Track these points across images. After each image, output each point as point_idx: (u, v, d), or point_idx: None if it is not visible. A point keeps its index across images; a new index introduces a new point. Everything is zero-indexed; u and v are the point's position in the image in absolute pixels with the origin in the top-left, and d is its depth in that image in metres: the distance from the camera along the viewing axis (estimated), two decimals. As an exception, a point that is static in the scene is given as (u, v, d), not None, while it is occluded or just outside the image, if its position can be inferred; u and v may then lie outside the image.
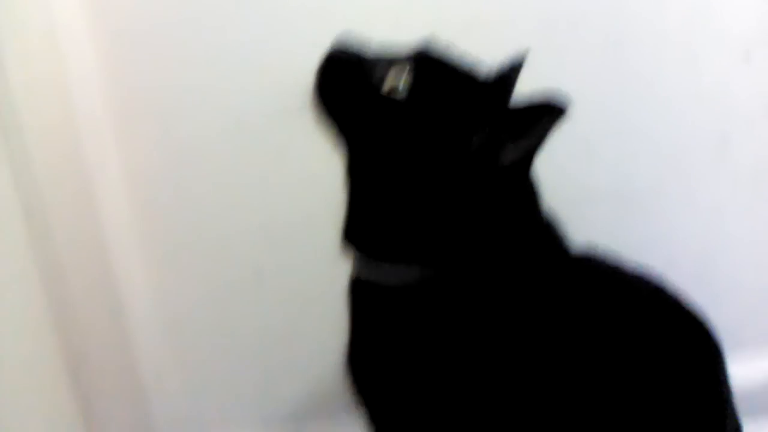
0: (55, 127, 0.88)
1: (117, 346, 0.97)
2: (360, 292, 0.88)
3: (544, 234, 0.86)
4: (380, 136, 0.81)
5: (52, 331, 0.86)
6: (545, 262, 0.85)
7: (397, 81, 0.80)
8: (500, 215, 0.82)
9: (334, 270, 0.88)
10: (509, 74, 0.84)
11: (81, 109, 0.97)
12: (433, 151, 0.79)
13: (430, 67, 0.82)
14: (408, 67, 0.81)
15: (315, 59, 0.85)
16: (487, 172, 0.79)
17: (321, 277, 1.09)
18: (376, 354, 0.86)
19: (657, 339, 0.86)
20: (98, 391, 0.91)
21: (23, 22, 0.86)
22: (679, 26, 1.18)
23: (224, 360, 1.26)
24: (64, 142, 0.90)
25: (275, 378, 1.28)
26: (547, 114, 0.78)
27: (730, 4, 1.17)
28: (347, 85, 0.82)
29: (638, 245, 0.95)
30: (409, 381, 0.83)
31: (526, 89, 0.83)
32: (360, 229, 0.86)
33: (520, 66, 0.86)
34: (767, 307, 1.30)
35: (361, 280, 0.87)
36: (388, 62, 0.82)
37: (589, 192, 1.21)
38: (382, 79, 0.80)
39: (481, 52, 0.86)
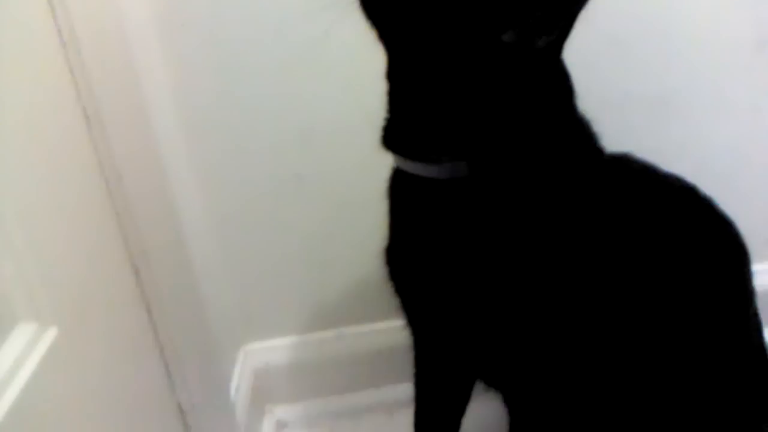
0: (107, 35, 0.91)
1: (173, 244, 1.02)
2: (399, 184, 0.90)
3: (580, 129, 0.86)
4: (417, 30, 0.78)
5: (114, 230, 0.91)
6: (581, 157, 0.86)
7: None
8: (535, 105, 0.81)
9: (372, 173, 0.90)
10: None
11: (130, 18, 0.99)
12: (470, 39, 0.76)
13: None
14: None
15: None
16: (523, 58, 0.77)
17: (359, 179, 1.12)
18: (413, 247, 0.88)
19: (688, 235, 0.90)
20: (157, 286, 0.97)
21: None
22: (693, 14, 1.18)
23: (268, 261, 1.31)
24: (116, 50, 0.93)
25: (317, 281, 1.33)
26: None
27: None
28: None
29: (672, 148, 0.98)
30: (446, 275, 0.86)
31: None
32: (398, 132, 0.86)
33: None
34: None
35: (400, 171, 0.88)
36: None
37: (622, 95, 1.21)
38: None
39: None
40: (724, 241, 0.92)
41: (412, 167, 0.86)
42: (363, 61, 0.87)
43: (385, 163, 0.90)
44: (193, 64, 1.14)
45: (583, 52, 0.82)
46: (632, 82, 1.23)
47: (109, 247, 0.90)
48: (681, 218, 0.91)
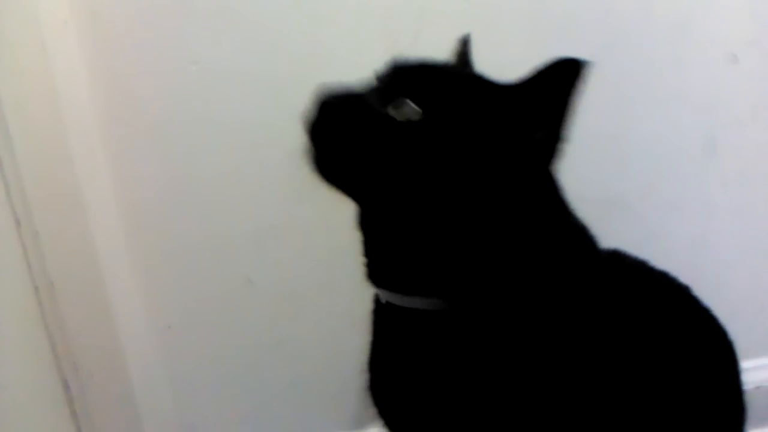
0: (44, 135, 0.88)
1: (108, 354, 0.96)
2: (381, 310, 0.84)
3: (578, 241, 0.83)
4: (400, 171, 0.72)
5: (43, 341, 0.85)
6: (581, 272, 0.81)
7: (405, 103, 0.72)
8: (515, 235, 0.75)
9: (326, 276, 0.87)
10: (464, 51, 0.80)
11: (70, 120, 0.96)
12: (461, 169, 0.72)
13: (426, 78, 0.75)
14: (406, 85, 0.74)
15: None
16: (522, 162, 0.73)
17: (313, 283, 1.10)
18: (394, 374, 0.82)
19: (682, 340, 0.86)
20: (89, 399, 0.90)
21: (13, 41, 0.86)
22: (666, 29, 1.19)
23: (214, 373, 1.25)
24: (52, 149, 0.90)
25: (266, 393, 1.27)
26: (562, 75, 0.72)
27: (717, 7, 1.18)
28: (352, 126, 0.73)
29: (626, 247, 0.95)
30: (433, 404, 0.79)
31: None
32: (375, 271, 0.81)
33: (467, 41, 0.81)
34: (755, 309, 1.31)
35: (384, 303, 0.82)
36: (377, 89, 0.75)
37: (576, 197, 1.20)
38: (384, 107, 0.73)
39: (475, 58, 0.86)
40: (715, 340, 0.90)
41: (391, 297, 0.81)
42: None
43: (342, 268, 0.86)
44: (137, 161, 1.11)
45: None
46: (588, 185, 1.22)
47: (37, 357, 0.84)
48: (675, 321, 0.88)
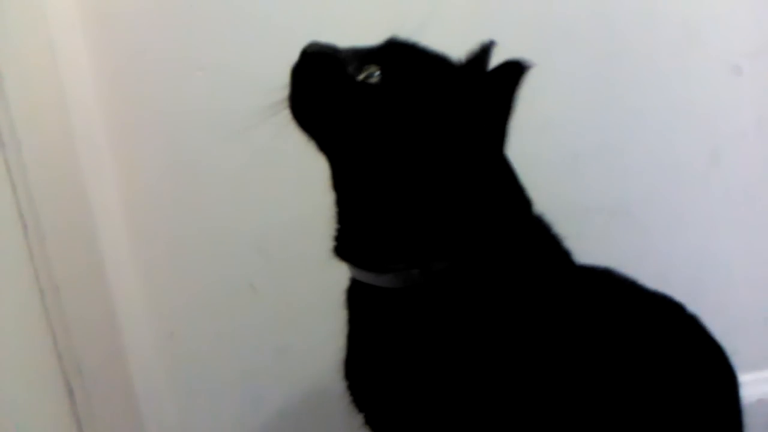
0: (52, 139, 0.88)
1: (112, 360, 0.96)
2: (354, 293, 0.87)
3: (539, 233, 0.85)
4: (358, 129, 0.79)
5: (47, 345, 0.85)
6: (544, 260, 0.84)
7: (370, 67, 0.79)
8: (485, 209, 0.80)
9: (328, 280, 0.87)
10: (481, 55, 0.83)
11: (77, 123, 0.96)
12: (412, 137, 0.78)
13: (403, 52, 0.81)
14: (381, 55, 0.80)
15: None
16: (466, 149, 0.78)
17: (315, 288, 1.09)
18: (372, 358, 0.84)
19: (672, 358, 0.86)
20: (93, 405, 0.90)
21: (22, 44, 0.87)
22: (669, 41, 1.20)
23: (216, 378, 1.24)
24: (60, 153, 0.90)
25: (270, 398, 1.26)
26: (509, 76, 0.78)
27: (720, 19, 1.19)
28: (323, 79, 0.80)
29: (629, 260, 0.94)
30: (406, 386, 0.81)
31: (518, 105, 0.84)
32: (348, 241, 0.84)
33: (490, 47, 0.84)
34: (757, 322, 1.30)
35: (358, 283, 0.85)
36: (361, 53, 0.81)
37: (580, 206, 1.21)
38: (356, 69, 0.79)
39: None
40: (711, 365, 0.89)
41: (364, 276, 0.83)
42: (318, 168, 0.85)
43: (343, 272, 0.87)
44: (143, 167, 1.12)
45: (540, 166, 0.83)
46: (590, 195, 1.23)
47: (41, 361, 0.84)
48: (664, 339, 0.87)
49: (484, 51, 0.83)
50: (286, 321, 1.22)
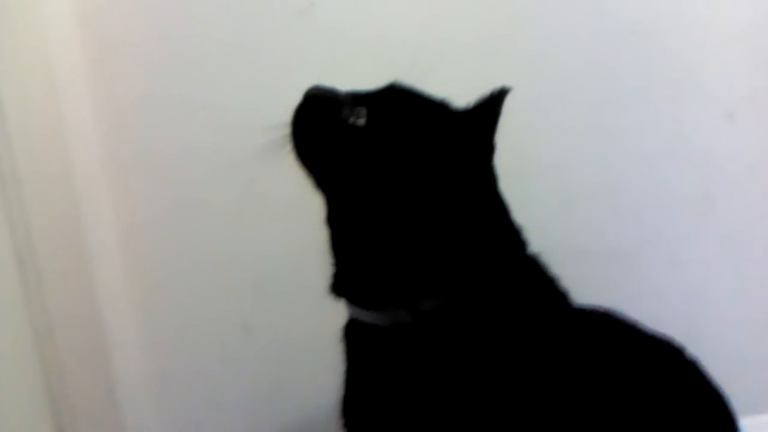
0: (52, 182, 0.89)
1: (104, 401, 0.95)
2: (350, 331, 0.87)
3: (532, 270, 0.85)
4: (348, 170, 0.82)
5: (40, 384, 0.84)
6: (538, 301, 0.84)
7: (361, 111, 0.82)
8: (476, 246, 0.81)
9: (323, 321, 0.87)
10: (489, 103, 0.84)
11: (77, 161, 0.97)
12: (397, 177, 0.80)
13: (395, 97, 0.84)
14: (373, 97, 0.83)
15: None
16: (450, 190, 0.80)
17: (310, 328, 1.08)
18: (368, 396, 0.84)
19: (671, 401, 0.85)
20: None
21: (25, 83, 0.88)
22: (664, 85, 1.21)
23: (211, 421, 1.22)
24: (58, 191, 0.91)
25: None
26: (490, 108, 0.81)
27: (714, 65, 1.21)
28: (320, 120, 0.83)
29: (622, 304, 0.94)
30: (401, 425, 0.81)
31: (512, 149, 0.85)
32: (343, 278, 0.85)
33: (503, 95, 0.85)
34: (754, 365, 1.30)
35: (354, 321, 0.86)
36: (356, 97, 0.84)
37: (574, 249, 1.20)
38: (349, 111, 0.82)
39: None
40: (711, 410, 0.88)
41: (359, 314, 0.84)
42: (312, 207, 0.86)
43: (338, 309, 0.87)
44: (140, 207, 1.12)
45: (537, 209, 0.84)
46: (585, 237, 1.23)
47: (33, 401, 0.83)
48: (663, 383, 0.86)
49: (494, 96, 0.84)
50: (281, 359, 1.21)
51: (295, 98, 0.85)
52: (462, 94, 0.84)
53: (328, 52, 1.13)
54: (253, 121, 1.07)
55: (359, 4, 1.14)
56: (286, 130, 0.85)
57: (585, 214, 1.23)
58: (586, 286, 0.96)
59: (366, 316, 0.83)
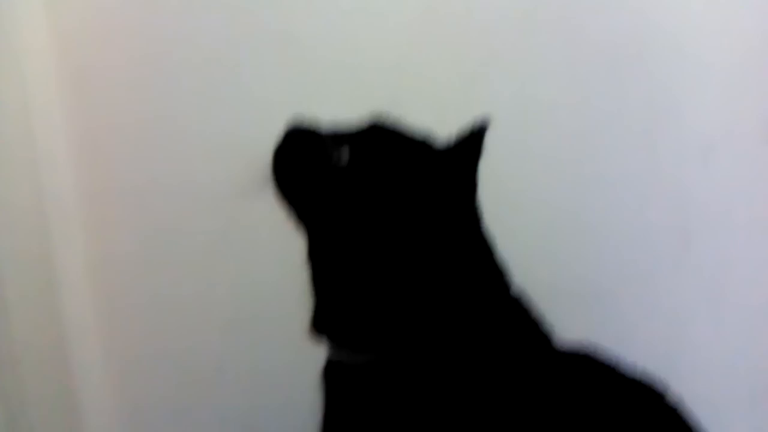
0: (22, 211, 0.88)
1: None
2: (333, 374, 0.85)
3: (515, 311, 0.84)
4: (330, 208, 0.82)
5: (3, 415, 0.82)
6: (520, 343, 0.83)
7: (344, 149, 0.81)
8: (456, 282, 0.81)
9: (297, 363, 0.87)
10: (470, 139, 0.84)
11: (49, 193, 0.97)
12: (379, 216, 0.80)
13: (378, 134, 0.83)
14: (356, 136, 0.83)
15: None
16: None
17: (285, 368, 1.10)
18: None
19: None
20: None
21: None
22: (641, 122, 1.21)
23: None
24: (29, 224, 0.90)
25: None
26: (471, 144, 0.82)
27: (692, 100, 1.20)
28: (302, 157, 0.83)
29: (602, 342, 0.92)
30: None
31: (488, 186, 0.85)
32: (326, 318, 0.84)
33: (483, 130, 0.86)
34: (731, 415, 1.27)
35: (334, 361, 0.85)
36: (339, 133, 0.84)
37: (547, 290, 1.18)
38: (331, 149, 0.82)
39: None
40: None
41: (339, 353, 0.83)
42: (288, 244, 0.86)
43: (316, 351, 0.86)
44: (109, 235, 1.13)
45: (514, 246, 0.84)
46: (563, 277, 1.22)
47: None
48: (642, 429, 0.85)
49: (475, 131, 0.85)
50: (253, 400, 1.20)
51: (277, 129, 0.85)
52: (441, 127, 0.85)
53: (309, 83, 1.14)
54: (233, 154, 1.09)
55: (339, 36, 1.16)
56: (268, 164, 0.84)
57: (563, 251, 1.22)
58: (566, 324, 0.95)
59: (346, 356, 0.82)
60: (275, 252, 1.08)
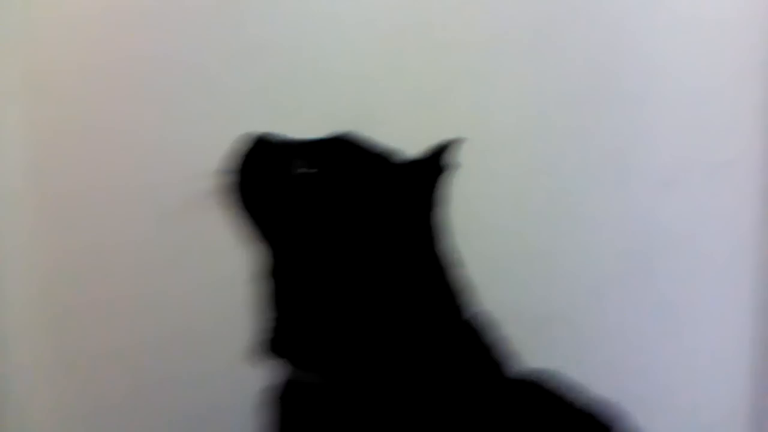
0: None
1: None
2: (287, 395, 0.84)
3: (463, 333, 0.84)
4: (290, 223, 0.80)
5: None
6: (467, 368, 0.82)
7: (307, 161, 0.80)
8: (407, 305, 0.79)
9: (242, 384, 0.87)
10: (434, 157, 0.84)
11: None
12: (339, 234, 0.78)
13: (343, 148, 0.82)
14: (319, 148, 0.81)
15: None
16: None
17: (227, 393, 1.06)
18: None
19: None
20: None
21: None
22: (604, 151, 1.21)
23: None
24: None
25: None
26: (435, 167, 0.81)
27: (654, 131, 1.21)
28: (264, 169, 0.81)
29: (559, 366, 0.95)
30: None
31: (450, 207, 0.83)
32: (284, 338, 0.82)
33: (446, 148, 0.85)
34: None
35: (289, 382, 0.83)
36: (303, 147, 0.82)
37: (511, 309, 1.18)
38: (295, 163, 0.80)
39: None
40: None
41: (294, 373, 0.82)
42: (235, 259, 0.85)
43: (259, 374, 0.84)
44: (53, 247, 1.09)
45: (474, 269, 0.85)
46: (522, 301, 1.20)
47: None
48: None
49: (438, 149, 0.84)
50: (196, 416, 1.15)
51: (237, 139, 0.83)
52: (408, 144, 0.84)
53: (271, 99, 1.11)
54: (189, 165, 1.05)
55: (303, 50, 1.13)
56: (228, 177, 0.82)
57: (524, 276, 1.21)
58: (525, 348, 0.94)
59: (302, 376, 0.80)
60: (225, 266, 1.05)
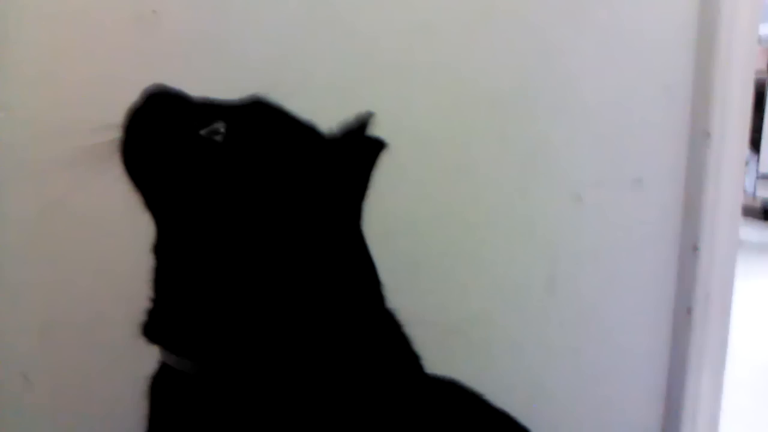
0: None
1: None
2: (164, 384, 0.74)
3: (387, 326, 0.78)
4: (191, 192, 0.69)
5: None
6: (388, 361, 0.76)
7: (219, 123, 0.69)
8: (324, 286, 0.71)
9: (120, 372, 0.81)
10: (356, 131, 0.76)
11: None
12: (251, 207, 0.69)
13: (260, 113, 0.72)
14: (234, 110, 0.71)
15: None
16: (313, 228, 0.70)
17: (103, 382, 1.00)
18: None
19: None
20: None
21: None
22: (516, 170, 1.19)
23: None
24: None
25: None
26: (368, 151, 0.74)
27: (564, 146, 1.20)
28: (163, 128, 0.70)
29: (463, 377, 0.91)
30: None
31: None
32: (164, 320, 0.73)
33: (366, 123, 0.77)
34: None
35: (166, 369, 0.73)
36: (213, 106, 0.72)
37: (415, 315, 1.15)
38: (202, 122, 0.69)
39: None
40: None
41: (174, 361, 0.72)
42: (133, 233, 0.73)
43: (140, 361, 0.74)
44: None
45: (382, 271, 0.78)
46: (428, 309, 1.15)
47: None
48: None
49: (362, 124, 0.76)
50: (64, 417, 1.07)
51: (131, 97, 0.72)
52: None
53: (171, 61, 1.03)
54: (72, 120, 0.95)
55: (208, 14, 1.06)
56: (117, 133, 0.71)
57: (429, 284, 1.17)
58: (426, 356, 0.89)
59: (183, 365, 0.71)
60: (107, 242, 1.00)
